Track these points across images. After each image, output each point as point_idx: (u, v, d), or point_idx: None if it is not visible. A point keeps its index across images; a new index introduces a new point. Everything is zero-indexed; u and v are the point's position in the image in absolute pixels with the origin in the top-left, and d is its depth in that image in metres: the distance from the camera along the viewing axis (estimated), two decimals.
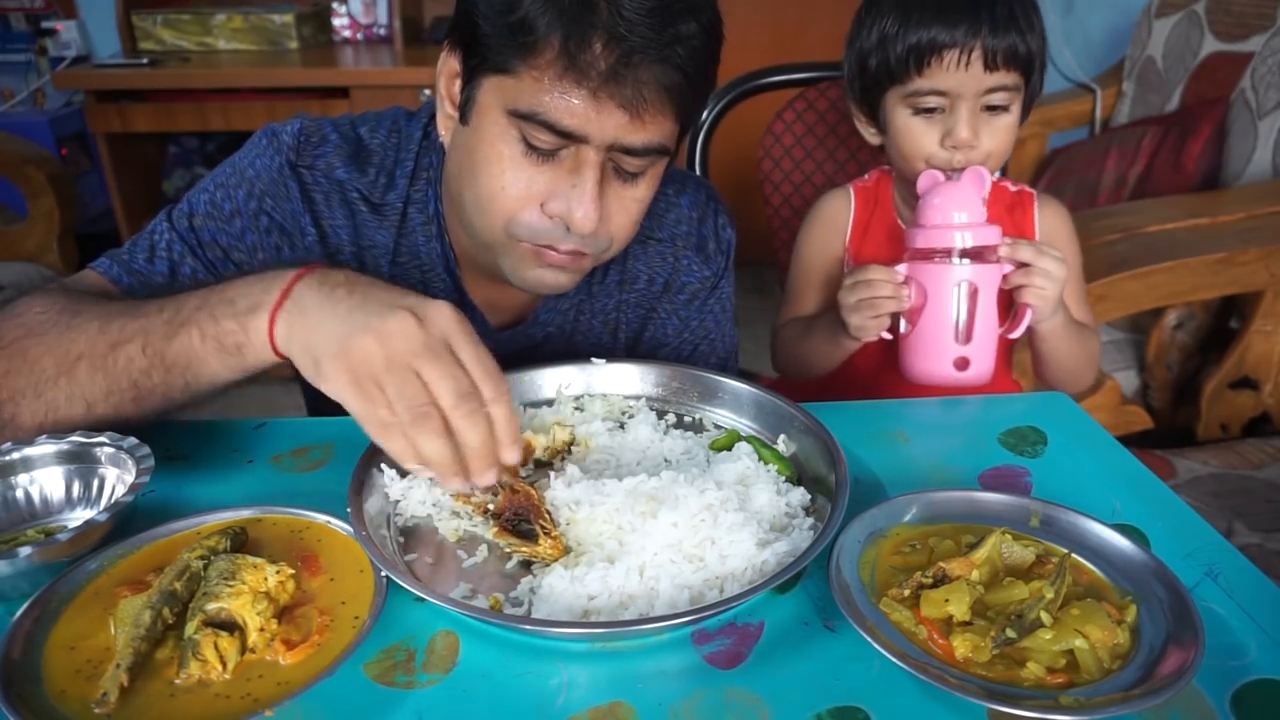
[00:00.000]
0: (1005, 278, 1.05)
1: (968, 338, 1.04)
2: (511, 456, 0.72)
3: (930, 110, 1.07)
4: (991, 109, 1.06)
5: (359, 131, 1.01)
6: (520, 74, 0.81)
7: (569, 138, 0.82)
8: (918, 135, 1.09)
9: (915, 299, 1.06)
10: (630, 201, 0.90)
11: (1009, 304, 1.08)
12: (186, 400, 0.82)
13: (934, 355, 1.07)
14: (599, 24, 0.77)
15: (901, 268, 1.06)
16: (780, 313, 1.30)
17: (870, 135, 1.18)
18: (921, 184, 1.06)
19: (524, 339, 1.07)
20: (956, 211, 1.03)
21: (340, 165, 0.99)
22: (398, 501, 0.79)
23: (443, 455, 0.69)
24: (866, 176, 1.26)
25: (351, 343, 0.70)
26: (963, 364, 1.05)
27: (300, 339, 0.73)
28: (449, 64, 0.89)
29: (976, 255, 1.03)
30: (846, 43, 1.15)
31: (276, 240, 0.98)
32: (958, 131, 1.05)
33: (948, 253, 1.03)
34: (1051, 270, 1.03)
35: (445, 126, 0.92)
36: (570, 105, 0.80)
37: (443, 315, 0.72)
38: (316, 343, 0.72)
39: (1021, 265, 1.04)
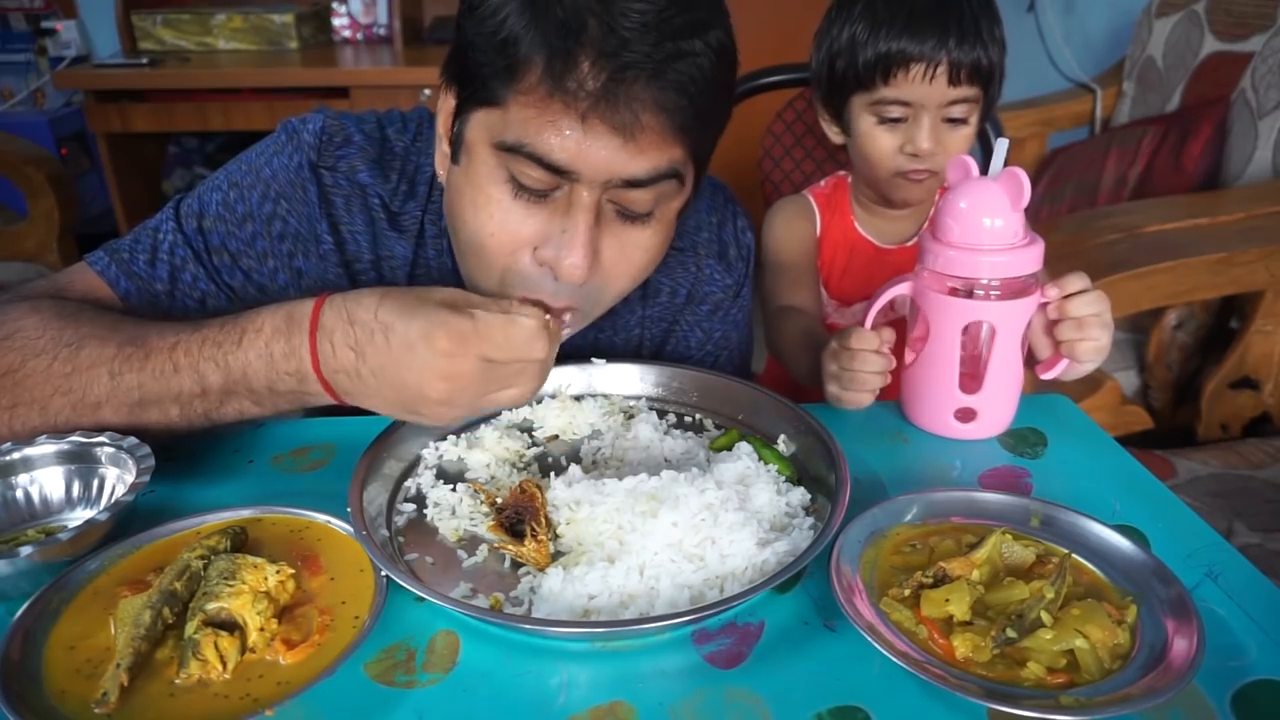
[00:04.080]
0: (1053, 327, 0.89)
1: (975, 386, 0.89)
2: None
3: (894, 120, 1.08)
4: (951, 121, 1.07)
5: (386, 132, 0.97)
6: (507, 103, 0.75)
7: (559, 173, 0.76)
8: (880, 142, 1.09)
9: (919, 328, 0.91)
10: (634, 248, 0.83)
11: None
12: (223, 430, 0.82)
13: (932, 403, 0.92)
14: (587, 41, 0.71)
15: (903, 288, 0.90)
16: (768, 295, 1.23)
17: (834, 134, 1.19)
18: (952, 174, 0.91)
19: None
20: (986, 219, 0.85)
21: (364, 168, 0.94)
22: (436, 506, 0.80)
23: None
24: (823, 183, 1.26)
25: (426, 392, 0.71)
26: (966, 416, 0.90)
27: (380, 403, 0.74)
28: (446, 100, 0.84)
29: (1004, 286, 0.86)
30: (814, 42, 1.15)
31: (290, 247, 0.94)
32: (919, 141, 1.06)
33: (966, 281, 0.86)
34: (1107, 317, 0.88)
35: (441, 165, 0.88)
36: (558, 134, 0.74)
37: (454, 317, 0.71)
38: (405, 399, 0.72)
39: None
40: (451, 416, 0.74)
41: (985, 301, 0.86)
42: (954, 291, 0.87)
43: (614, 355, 1.03)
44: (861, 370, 0.89)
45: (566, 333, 0.86)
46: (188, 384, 0.76)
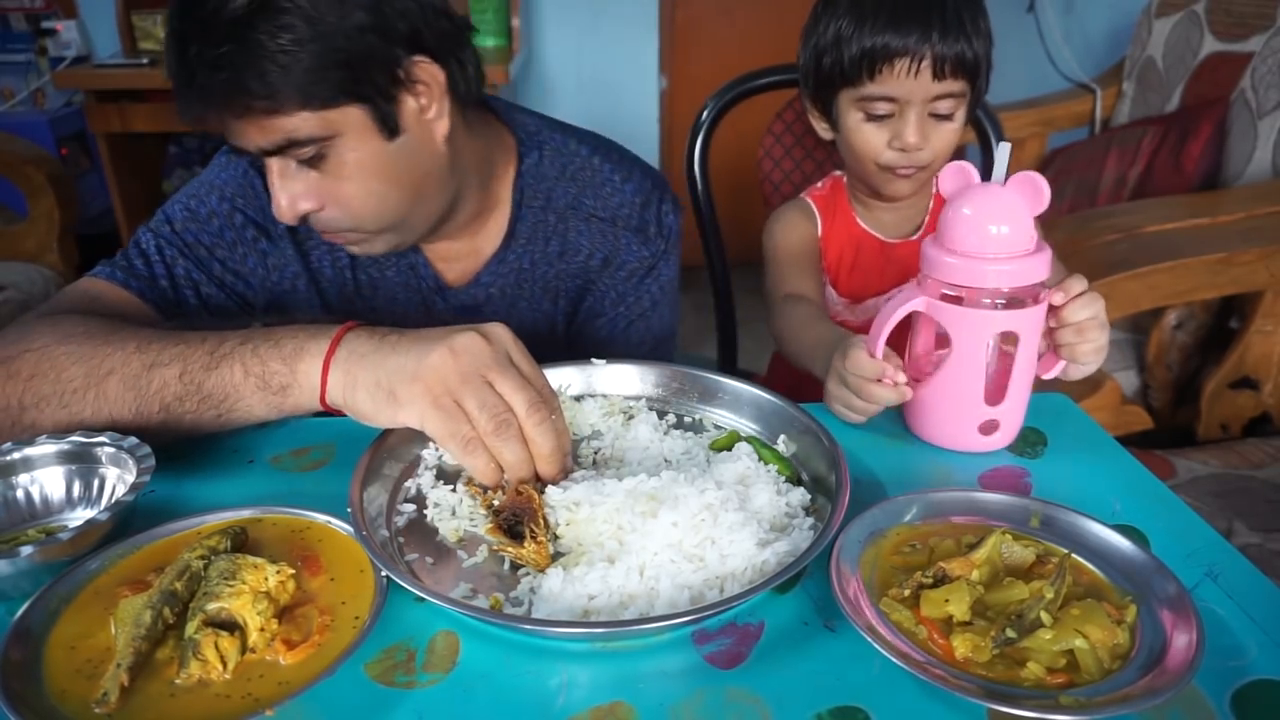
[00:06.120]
0: (1052, 334, 0.88)
1: (999, 397, 0.86)
2: (570, 461, 0.80)
3: (881, 117, 1.09)
4: (937, 116, 1.08)
5: None
6: None
7: (241, 153, 0.90)
8: (868, 137, 1.11)
9: (926, 342, 0.89)
10: (333, 180, 0.90)
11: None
12: (215, 430, 0.83)
13: (955, 418, 0.88)
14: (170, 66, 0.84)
15: (917, 304, 0.86)
16: (771, 288, 1.24)
17: (823, 130, 1.20)
18: (949, 183, 0.86)
19: (467, 298, 1.12)
20: (994, 226, 0.81)
21: None
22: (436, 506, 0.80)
23: (523, 461, 0.76)
24: (820, 184, 1.27)
25: (425, 363, 0.74)
26: (990, 428, 0.87)
27: (365, 379, 0.77)
28: None
29: (1029, 293, 0.83)
30: (801, 39, 1.16)
31: (254, 234, 1.06)
32: (905, 136, 1.07)
33: (983, 292, 0.82)
34: (1103, 316, 0.87)
35: None
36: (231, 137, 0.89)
37: (502, 332, 0.79)
38: (385, 376, 0.76)
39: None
40: (421, 405, 0.74)
41: (1014, 311, 0.83)
42: (981, 304, 0.83)
43: (534, 302, 1.14)
44: (867, 403, 0.88)
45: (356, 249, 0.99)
46: (206, 345, 0.81)
